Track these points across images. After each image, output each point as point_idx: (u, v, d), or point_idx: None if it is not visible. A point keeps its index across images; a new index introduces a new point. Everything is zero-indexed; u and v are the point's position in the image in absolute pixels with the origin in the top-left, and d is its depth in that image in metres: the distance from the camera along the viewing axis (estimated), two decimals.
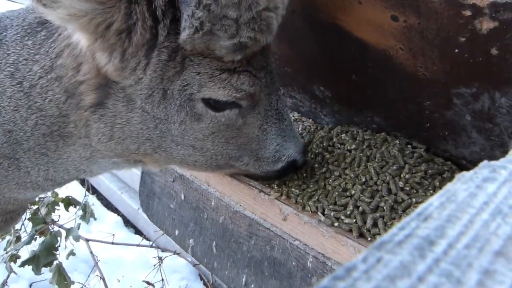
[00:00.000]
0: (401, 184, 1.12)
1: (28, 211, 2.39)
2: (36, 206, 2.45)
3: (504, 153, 1.06)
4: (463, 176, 0.34)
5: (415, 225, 0.26)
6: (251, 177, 1.26)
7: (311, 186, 1.22)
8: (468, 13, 0.84)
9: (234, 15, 0.82)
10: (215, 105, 0.98)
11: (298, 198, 1.18)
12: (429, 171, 1.15)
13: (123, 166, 1.18)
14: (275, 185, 1.24)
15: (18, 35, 1.05)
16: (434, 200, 0.29)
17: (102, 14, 0.82)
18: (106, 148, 1.06)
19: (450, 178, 1.15)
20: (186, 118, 0.99)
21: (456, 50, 0.92)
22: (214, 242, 1.41)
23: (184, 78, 0.94)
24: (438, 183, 1.12)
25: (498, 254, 0.24)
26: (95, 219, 2.72)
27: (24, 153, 1.07)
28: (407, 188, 1.11)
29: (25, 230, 2.62)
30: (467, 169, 1.10)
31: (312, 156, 1.37)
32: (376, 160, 1.21)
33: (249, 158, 1.14)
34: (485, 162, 0.37)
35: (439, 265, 0.23)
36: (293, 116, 1.58)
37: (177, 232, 1.58)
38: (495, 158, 1.16)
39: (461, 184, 0.33)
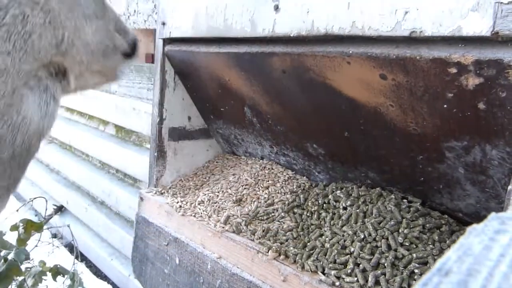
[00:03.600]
0: (400, 239, 1.11)
1: (13, 283, 2.29)
2: (22, 277, 2.35)
3: (499, 204, 1.07)
4: (475, 229, 0.34)
5: (438, 280, 0.26)
6: None
7: (309, 244, 1.20)
8: (453, 70, 0.88)
9: None
10: None
11: (297, 258, 1.16)
12: (427, 225, 1.14)
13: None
14: (273, 245, 1.22)
15: None
16: (452, 254, 0.29)
17: None
18: None
19: (448, 232, 1.14)
20: None
21: (445, 106, 0.95)
22: None
23: None
24: (436, 237, 1.11)
25: None
26: None
27: None
28: (407, 243, 1.10)
29: None
30: (464, 222, 1.09)
31: (308, 214, 1.36)
32: (373, 215, 1.20)
33: None
34: (493, 214, 0.37)
35: None
36: (287, 174, 1.59)
37: None
38: (491, 209, 1.16)
39: (474, 237, 0.33)
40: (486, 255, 0.29)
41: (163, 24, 1.60)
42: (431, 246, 1.09)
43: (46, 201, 2.71)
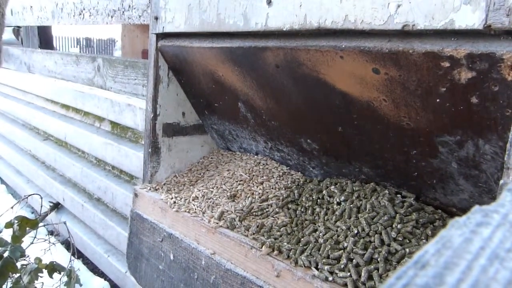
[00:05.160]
0: (393, 234, 1.11)
1: (9, 280, 2.29)
2: (18, 274, 2.35)
3: (492, 199, 1.06)
4: (457, 221, 0.34)
5: (413, 273, 0.25)
6: None
7: (303, 240, 1.20)
8: (446, 64, 0.87)
9: None
10: None
11: (290, 253, 1.16)
12: (420, 220, 1.14)
13: None
14: (267, 240, 1.22)
15: None
16: (430, 247, 0.29)
17: None
18: None
19: (442, 227, 1.14)
20: None
21: (438, 100, 0.94)
22: None
23: None
24: (430, 232, 1.11)
25: None
26: (80, 285, 2.60)
27: None
28: (400, 238, 1.10)
29: None
30: (458, 216, 1.09)
31: (302, 210, 1.36)
32: (367, 211, 1.20)
33: None
34: (477, 207, 0.36)
35: None
36: (282, 169, 1.58)
37: None
38: (484, 204, 1.16)
39: (455, 230, 0.32)
40: (466, 248, 0.29)
41: (156, 18, 1.59)
42: (424, 241, 1.09)
43: (41, 198, 2.71)
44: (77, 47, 19.75)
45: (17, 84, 3.97)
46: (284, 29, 1.14)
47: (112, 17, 2.48)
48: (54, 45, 5.89)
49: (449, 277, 0.25)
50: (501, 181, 0.83)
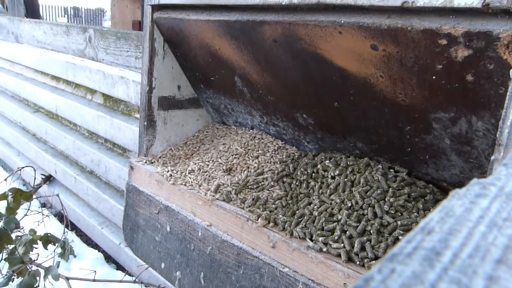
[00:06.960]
0: (386, 207, 1.14)
1: (4, 251, 2.31)
2: (13, 246, 2.37)
3: (482, 174, 1.10)
4: (457, 193, 0.36)
5: (421, 238, 0.27)
6: None
7: (298, 212, 1.23)
8: (443, 41, 0.88)
9: None
10: None
11: (286, 225, 1.19)
12: (412, 194, 1.17)
13: None
14: (262, 213, 1.25)
15: None
16: (434, 215, 0.31)
17: None
18: None
19: (433, 201, 1.18)
20: None
21: (434, 77, 0.96)
22: (202, 273, 1.39)
23: None
24: (421, 206, 1.15)
25: (499, 262, 0.26)
26: (74, 256, 2.64)
27: None
28: (392, 211, 1.14)
29: (0, 272, 2.52)
30: (448, 191, 1.13)
31: (297, 183, 1.39)
32: (361, 184, 1.23)
33: None
34: (475, 180, 0.39)
35: (448, 273, 0.24)
36: (277, 144, 1.60)
37: (163, 265, 1.56)
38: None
39: (456, 200, 0.34)
40: (467, 217, 0.31)
41: None
42: (415, 214, 1.13)
43: (35, 170, 2.71)
44: (64, 16, 19.28)
45: (4, 54, 3.90)
46: (283, 3, 1.14)
47: None
48: (41, 14, 5.76)
49: (453, 242, 0.27)
50: (492, 157, 0.86)
